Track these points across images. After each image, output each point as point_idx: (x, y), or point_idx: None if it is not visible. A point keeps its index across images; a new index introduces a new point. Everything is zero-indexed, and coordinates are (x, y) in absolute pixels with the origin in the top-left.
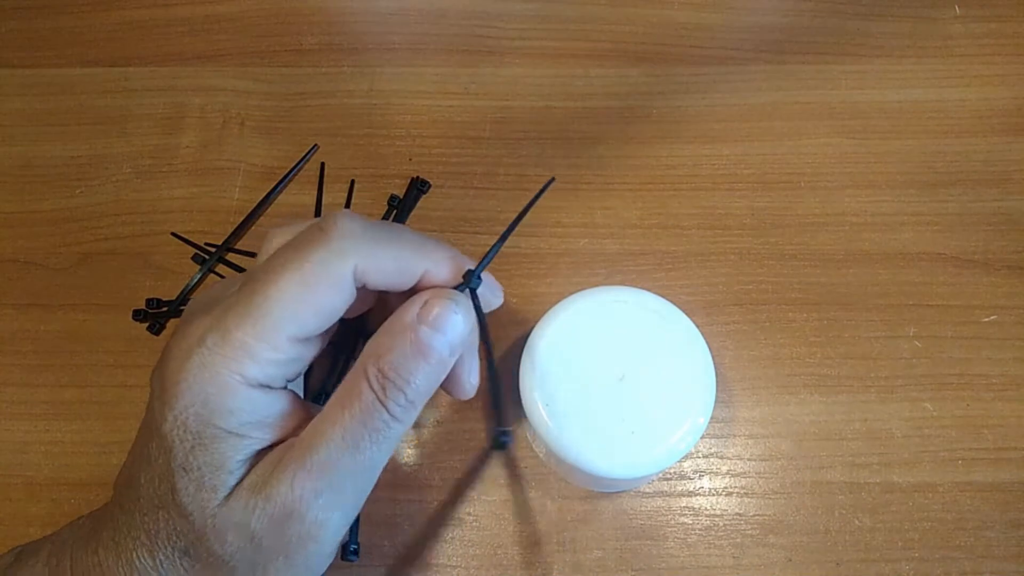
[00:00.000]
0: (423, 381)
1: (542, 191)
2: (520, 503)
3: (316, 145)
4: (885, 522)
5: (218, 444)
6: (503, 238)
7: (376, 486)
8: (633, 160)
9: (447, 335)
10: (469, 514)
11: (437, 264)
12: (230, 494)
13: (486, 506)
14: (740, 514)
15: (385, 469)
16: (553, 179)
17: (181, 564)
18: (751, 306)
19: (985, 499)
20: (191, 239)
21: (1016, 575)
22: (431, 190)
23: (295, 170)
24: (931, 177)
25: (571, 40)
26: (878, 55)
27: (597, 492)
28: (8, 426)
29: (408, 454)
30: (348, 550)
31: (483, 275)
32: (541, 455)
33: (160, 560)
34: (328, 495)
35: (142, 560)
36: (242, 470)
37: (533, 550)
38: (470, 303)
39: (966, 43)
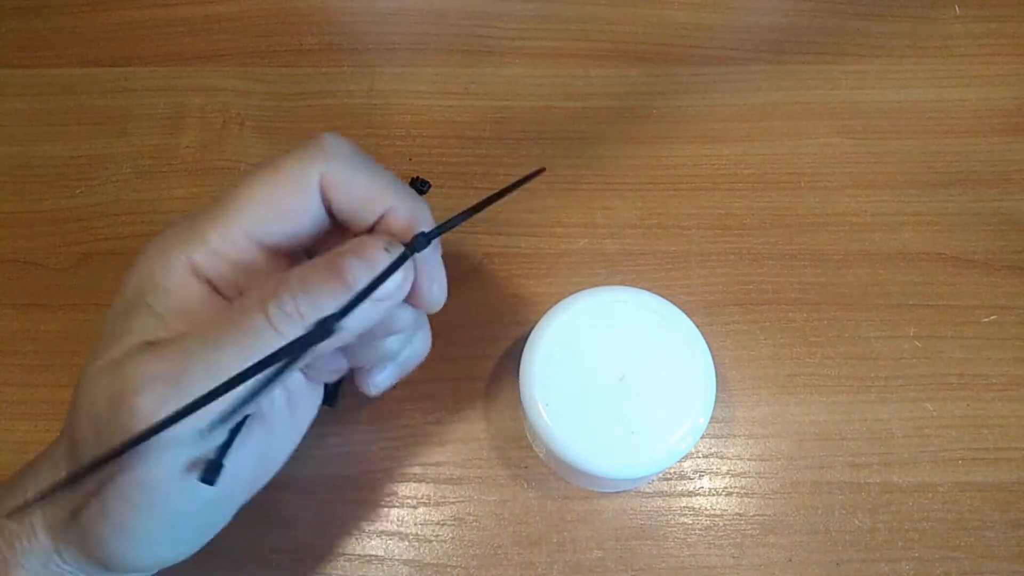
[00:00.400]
0: (324, 298)
1: (528, 178)
2: (520, 503)
3: None
4: (885, 522)
5: (133, 316)
6: (468, 212)
7: (374, 485)
8: (633, 160)
9: (369, 266)
10: (469, 514)
11: (400, 208)
12: (111, 370)
13: (486, 506)
14: (740, 514)
15: (385, 469)
16: (543, 169)
17: (64, 441)
18: (751, 306)
19: (985, 499)
20: None
21: (1016, 575)
22: (431, 190)
23: None
24: (931, 177)
25: (571, 40)
26: (878, 55)
27: (597, 492)
28: (8, 426)
29: (407, 453)
30: (328, 393)
31: (437, 265)
32: (541, 455)
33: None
34: (168, 388)
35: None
36: (137, 353)
37: (533, 550)
38: (410, 264)
39: (966, 43)
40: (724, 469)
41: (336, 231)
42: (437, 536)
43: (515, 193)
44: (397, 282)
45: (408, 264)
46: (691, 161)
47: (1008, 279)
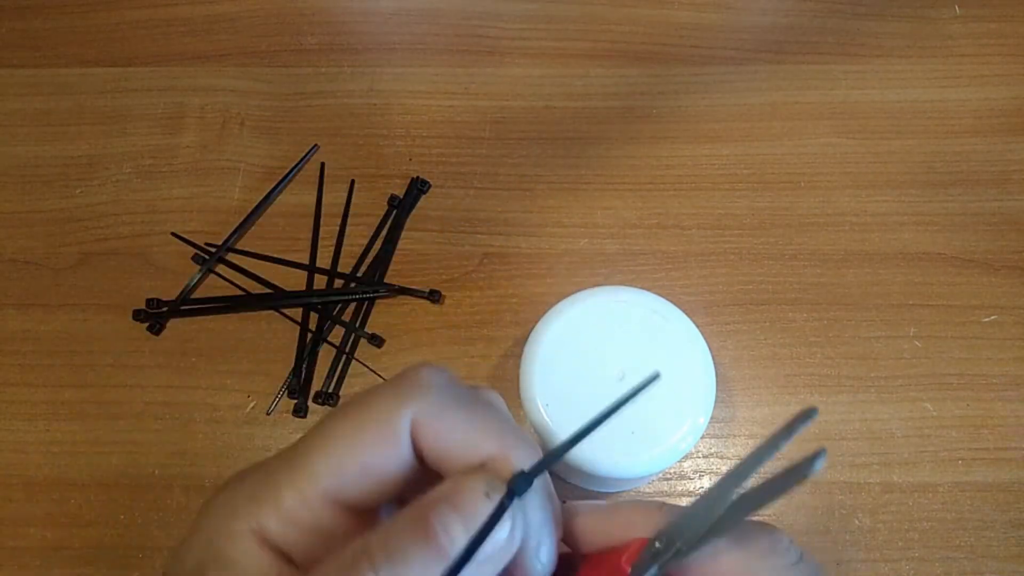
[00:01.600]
0: (414, 568)
1: (639, 389)
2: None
3: (316, 145)
4: (885, 522)
5: None
6: (573, 441)
7: None
8: (633, 160)
9: (465, 520)
10: None
11: (506, 450)
12: None
13: None
14: None
15: None
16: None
17: None
18: (751, 306)
19: (985, 499)
20: (191, 239)
21: (1016, 575)
22: (431, 190)
23: (295, 170)
24: (931, 177)
25: (571, 40)
26: (878, 55)
27: (597, 492)
28: (8, 426)
29: None
30: None
31: (544, 518)
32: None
33: None
34: None
35: None
36: None
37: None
38: (520, 511)
39: (966, 43)
40: (724, 469)
41: (429, 474)
42: None
43: (515, 193)
44: (503, 538)
45: (518, 515)
46: (691, 161)
47: (1008, 279)
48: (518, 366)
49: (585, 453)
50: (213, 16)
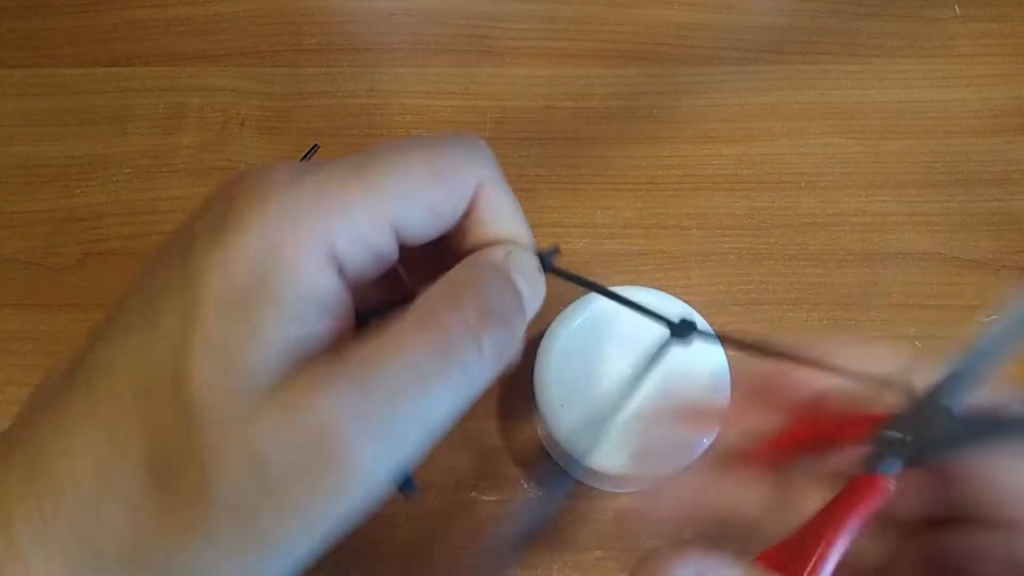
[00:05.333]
0: (517, 333)
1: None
2: (520, 503)
3: (316, 145)
4: None
5: (265, 312)
6: (590, 284)
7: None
8: (633, 160)
9: (535, 296)
10: (470, 515)
11: (527, 234)
12: (255, 400)
13: (486, 507)
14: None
15: None
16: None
17: (135, 489)
18: (751, 306)
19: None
20: None
21: None
22: None
23: None
24: (931, 177)
25: (571, 40)
26: (878, 55)
27: (597, 492)
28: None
29: None
30: (403, 485)
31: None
32: (555, 455)
33: (107, 476)
34: (377, 426)
35: (76, 468)
36: (278, 366)
37: (533, 550)
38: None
39: (966, 43)
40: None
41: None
42: (437, 536)
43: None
44: (542, 296)
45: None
46: (691, 161)
47: (1009, 279)
48: (532, 367)
49: (601, 453)
50: (213, 16)
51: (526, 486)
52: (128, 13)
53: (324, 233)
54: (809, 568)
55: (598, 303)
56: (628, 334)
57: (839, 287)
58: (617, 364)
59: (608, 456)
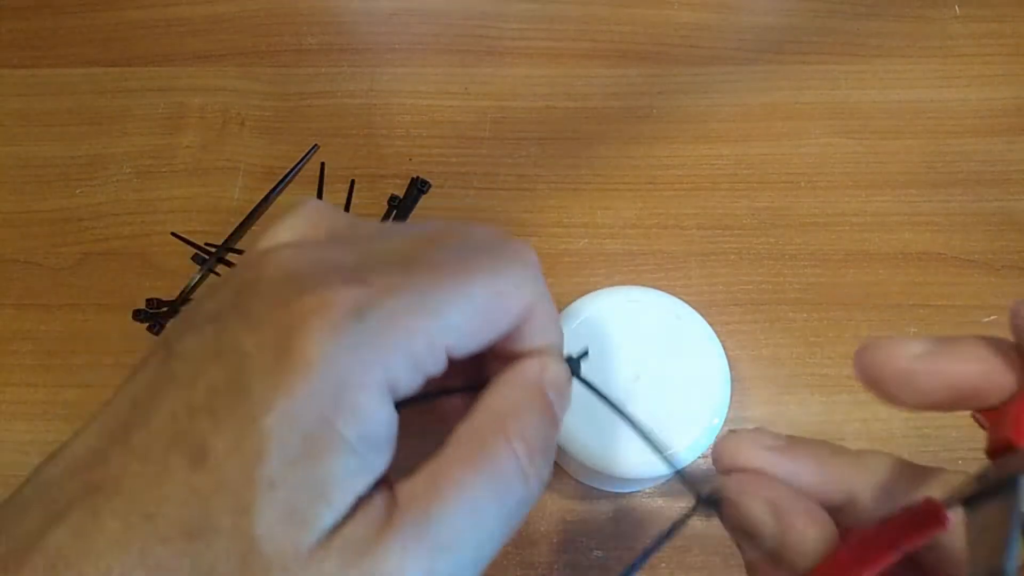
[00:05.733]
0: (553, 455)
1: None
2: None
3: (316, 145)
4: None
5: (332, 459)
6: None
7: None
8: (633, 160)
9: (564, 411)
10: None
11: (559, 340)
12: (317, 548)
13: None
14: None
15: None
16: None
17: None
18: (751, 306)
19: None
20: (191, 239)
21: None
22: (431, 190)
23: (295, 170)
24: (931, 177)
25: (571, 40)
26: (878, 55)
27: (597, 492)
28: (8, 426)
29: (408, 453)
30: None
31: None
32: (556, 456)
33: None
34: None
35: None
36: (341, 512)
37: (533, 550)
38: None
39: (966, 43)
40: None
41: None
42: None
43: (514, 193)
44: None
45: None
46: (691, 161)
47: (1008, 279)
48: None
49: (601, 453)
50: (213, 16)
51: None
52: (128, 13)
53: (387, 370)
54: None
55: (598, 303)
56: (628, 334)
57: (839, 287)
58: (617, 365)
59: (609, 456)
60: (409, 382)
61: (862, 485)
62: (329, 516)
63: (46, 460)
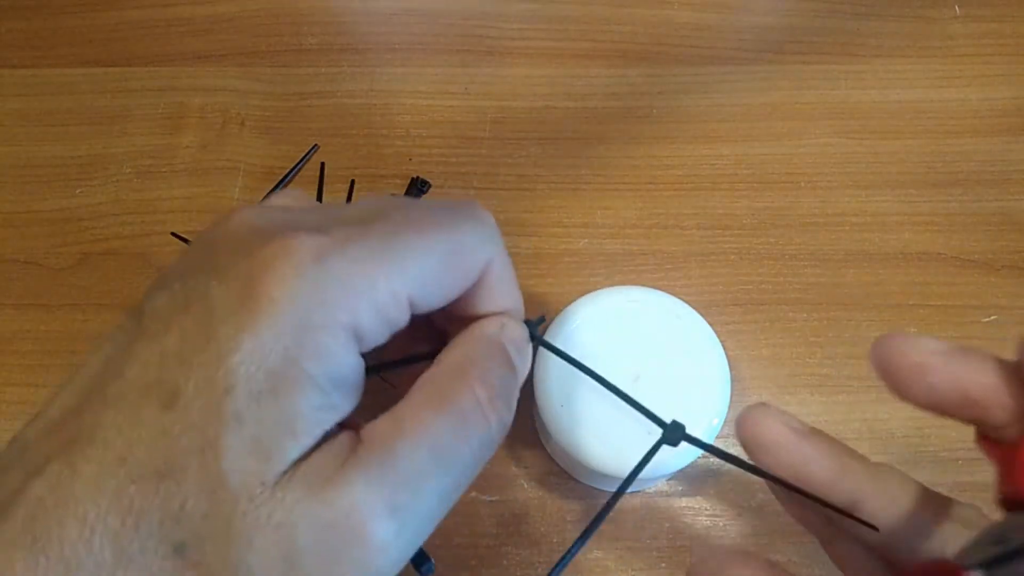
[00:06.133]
0: (514, 405)
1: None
2: (520, 503)
3: (316, 145)
4: None
5: (297, 395)
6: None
7: None
8: (633, 160)
9: (525, 367)
10: (469, 515)
11: (519, 304)
12: (281, 479)
13: (486, 506)
14: (740, 514)
15: None
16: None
17: (157, 565)
18: (751, 306)
19: (985, 499)
20: (191, 239)
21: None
22: (431, 190)
23: (295, 170)
24: (931, 177)
25: (571, 40)
26: (878, 55)
27: (597, 492)
28: (8, 426)
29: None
30: (422, 564)
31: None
32: (555, 455)
33: (126, 549)
34: (403, 515)
35: (90, 548)
36: (306, 446)
37: (533, 550)
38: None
39: (966, 43)
40: (725, 469)
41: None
42: (437, 536)
43: (514, 193)
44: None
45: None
46: (691, 161)
47: (1008, 279)
48: (532, 368)
49: (601, 454)
50: (213, 16)
51: (526, 486)
52: (128, 13)
53: (351, 314)
54: None
55: (598, 303)
56: (628, 334)
57: (839, 287)
58: (617, 364)
59: (608, 456)
60: (374, 331)
61: (870, 493)
62: (294, 449)
63: (25, 425)
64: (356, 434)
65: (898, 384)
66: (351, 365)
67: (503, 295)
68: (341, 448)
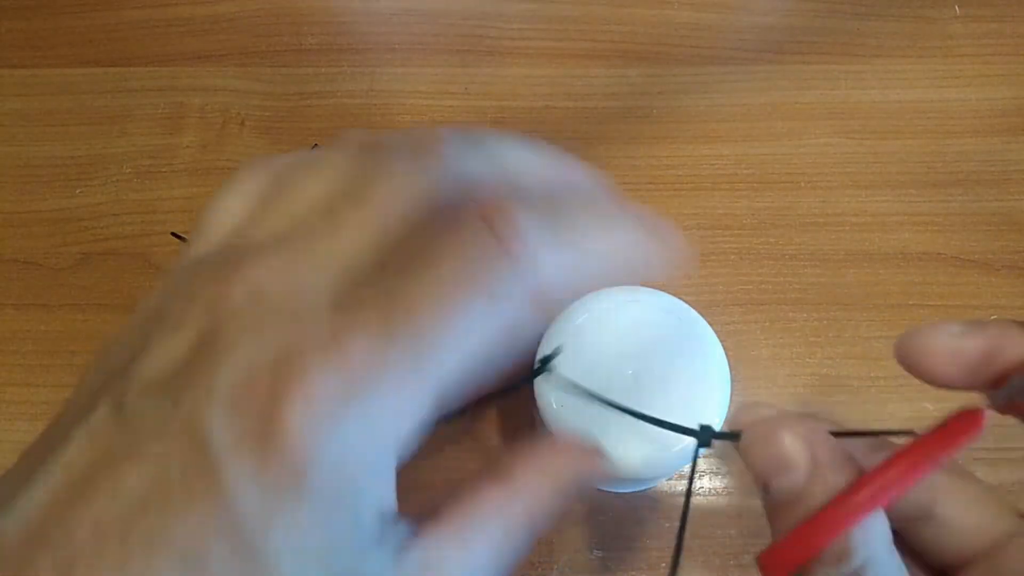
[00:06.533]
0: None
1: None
2: None
3: (316, 145)
4: None
5: (363, 556)
6: None
7: None
8: (633, 160)
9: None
10: None
11: (631, 253)
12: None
13: None
14: (740, 514)
15: None
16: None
17: None
18: (751, 306)
19: None
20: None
21: None
22: None
23: None
24: (931, 177)
25: (571, 40)
26: (878, 55)
27: (597, 492)
28: (8, 426)
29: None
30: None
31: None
32: None
33: None
34: None
35: None
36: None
37: (533, 550)
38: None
39: (966, 43)
40: (724, 469)
41: None
42: None
43: None
44: None
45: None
46: (691, 161)
47: (1008, 279)
48: (528, 365)
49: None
50: (213, 16)
51: None
52: (128, 13)
53: (384, 450)
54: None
55: (598, 303)
56: (628, 334)
57: (839, 287)
58: (617, 364)
59: (608, 457)
60: (410, 443)
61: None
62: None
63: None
64: (422, 550)
65: (934, 370)
66: (392, 494)
67: (629, 270)
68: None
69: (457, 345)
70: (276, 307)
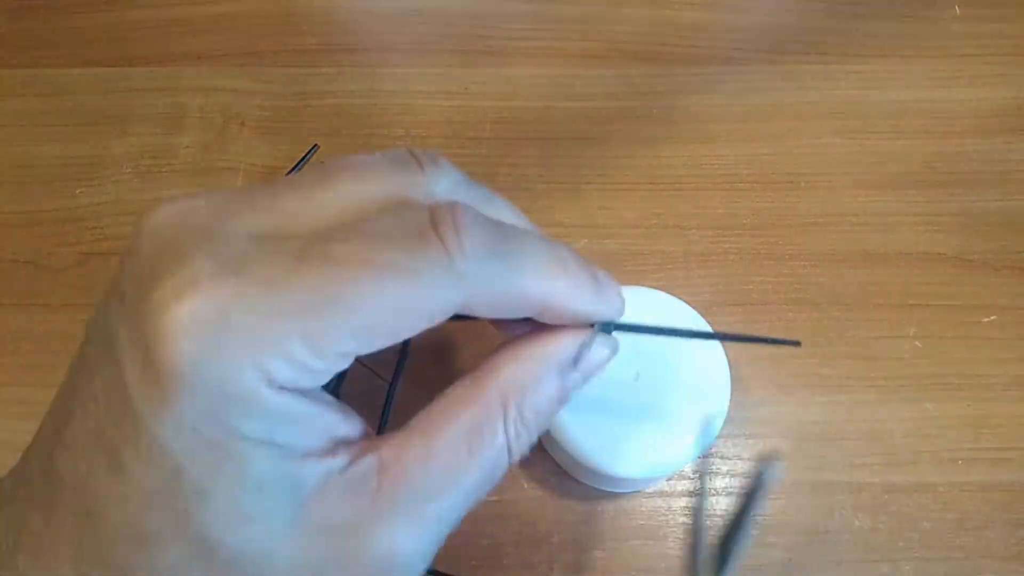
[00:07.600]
0: (546, 418)
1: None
2: (520, 503)
3: (316, 145)
4: (885, 522)
5: (243, 455)
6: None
7: None
8: (633, 160)
9: (587, 382)
10: (469, 515)
11: (569, 292)
12: (298, 528)
13: (486, 506)
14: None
15: None
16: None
17: None
18: (751, 306)
19: (985, 499)
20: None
21: (1016, 575)
22: None
23: (295, 170)
24: (931, 177)
25: (571, 40)
26: (878, 55)
27: (597, 492)
28: (8, 426)
29: None
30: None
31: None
32: (555, 456)
33: None
34: (431, 550)
35: None
36: (300, 488)
37: (533, 550)
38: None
39: (966, 43)
40: (724, 469)
41: None
42: None
43: (515, 193)
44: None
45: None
46: (691, 161)
47: (1008, 279)
48: None
49: (600, 454)
50: (213, 16)
51: (526, 486)
52: (128, 13)
53: (263, 370)
54: None
55: None
56: (630, 334)
57: (839, 287)
58: (617, 363)
59: (609, 457)
60: (291, 378)
61: None
62: (289, 502)
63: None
64: (374, 456)
65: None
66: (281, 405)
67: (529, 302)
68: (361, 488)
69: (356, 311)
70: (196, 227)
